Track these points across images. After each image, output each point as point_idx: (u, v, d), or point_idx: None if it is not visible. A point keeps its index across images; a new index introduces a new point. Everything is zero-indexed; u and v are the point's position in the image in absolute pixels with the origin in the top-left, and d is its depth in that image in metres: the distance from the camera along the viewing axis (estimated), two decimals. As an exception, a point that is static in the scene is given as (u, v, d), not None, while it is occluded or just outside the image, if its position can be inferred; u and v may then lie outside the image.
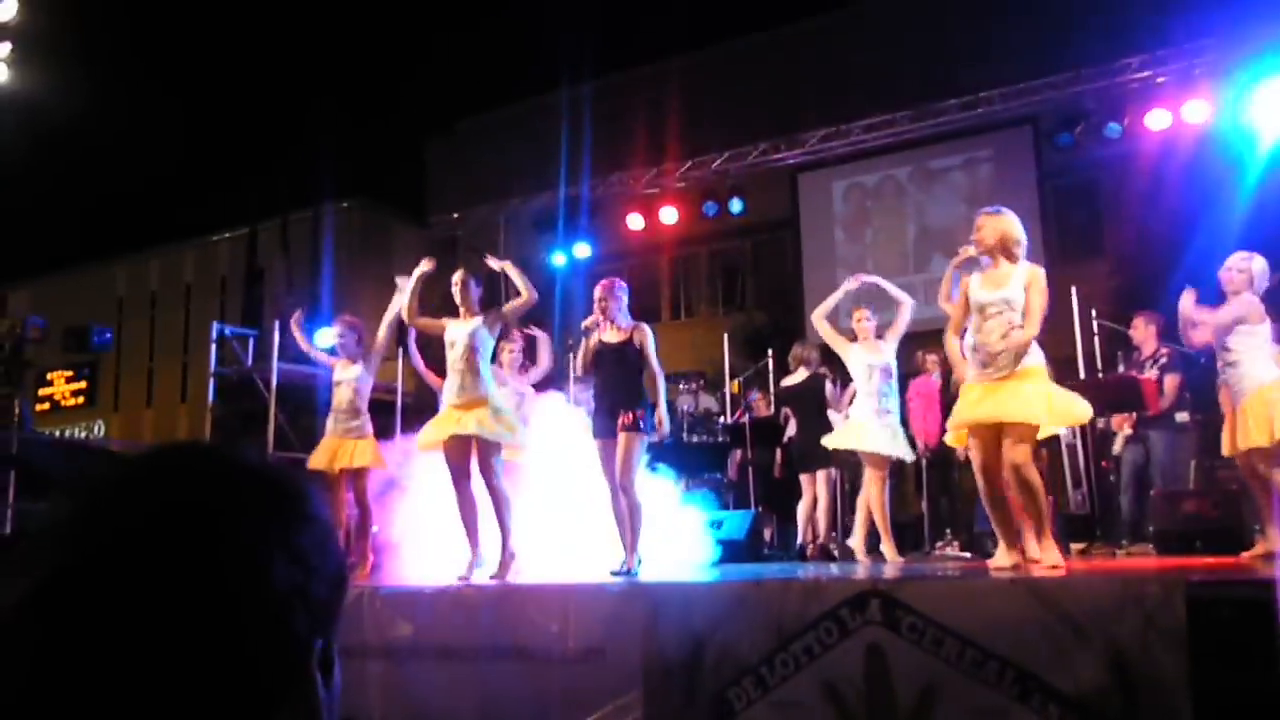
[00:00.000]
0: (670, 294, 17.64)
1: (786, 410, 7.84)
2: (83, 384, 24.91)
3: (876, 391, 6.49)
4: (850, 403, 6.99)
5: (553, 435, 6.36)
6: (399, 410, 10.08)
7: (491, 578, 5.06)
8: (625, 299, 5.42)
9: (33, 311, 14.23)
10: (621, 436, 5.15)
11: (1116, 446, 7.32)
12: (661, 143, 12.95)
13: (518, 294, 5.52)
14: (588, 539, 5.97)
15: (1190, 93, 9.69)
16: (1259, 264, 5.22)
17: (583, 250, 12.48)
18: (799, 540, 7.25)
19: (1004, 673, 3.10)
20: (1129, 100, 10.09)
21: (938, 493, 7.98)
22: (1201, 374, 6.41)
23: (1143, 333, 7.08)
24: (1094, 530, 7.44)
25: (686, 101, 13.25)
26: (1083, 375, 8.33)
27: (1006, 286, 4.48)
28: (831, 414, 7.47)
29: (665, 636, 3.69)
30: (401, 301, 5.84)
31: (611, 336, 5.32)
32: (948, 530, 7.83)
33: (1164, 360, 6.89)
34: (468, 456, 5.27)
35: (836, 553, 7.18)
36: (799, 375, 7.46)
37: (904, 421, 6.84)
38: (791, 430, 7.68)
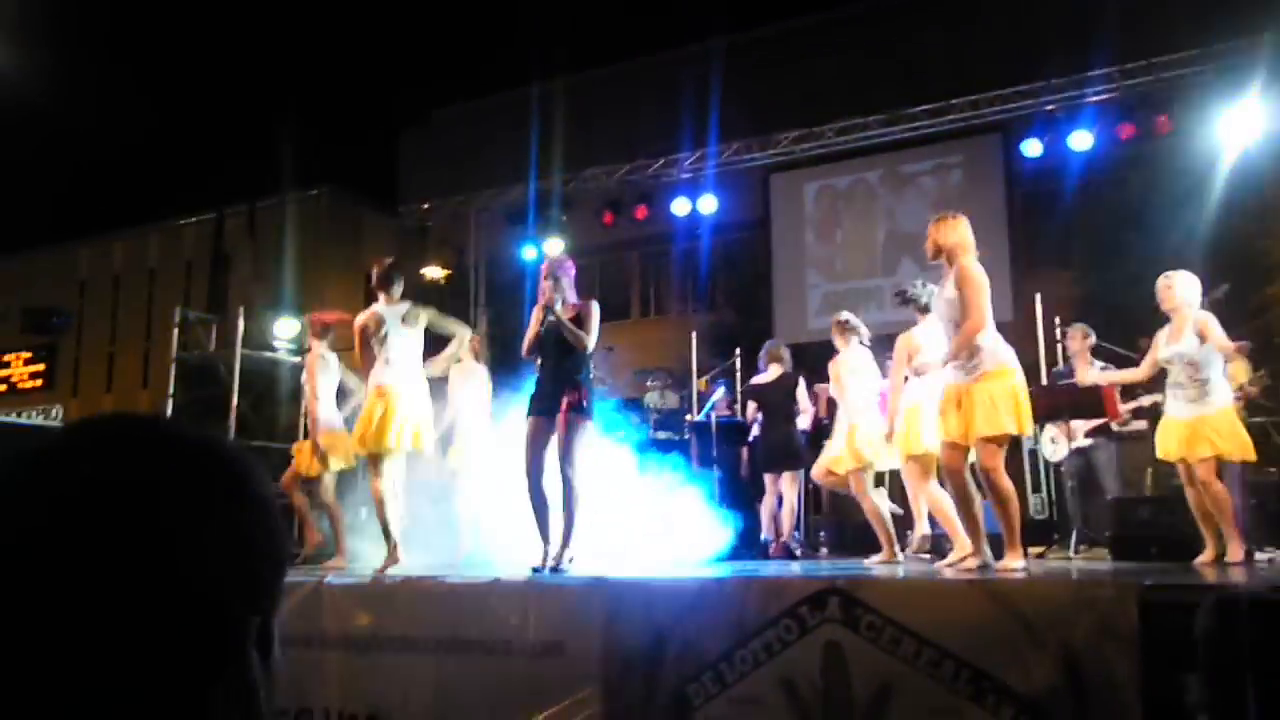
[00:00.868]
0: (640, 291, 17.65)
1: (753, 407, 7.86)
2: (41, 365, 24.49)
3: None
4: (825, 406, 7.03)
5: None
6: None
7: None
8: (573, 274, 5.28)
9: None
10: (564, 418, 4.99)
11: (1060, 454, 7.47)
12: (635, 140, 12.94)
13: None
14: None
15: (1154, 107, 9.87)
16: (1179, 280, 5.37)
17: (554, 245, 12.45)
18: (762, 538, 7.28)
19: (959, 672, 3.13)
20: (1096, 112, 10.25)
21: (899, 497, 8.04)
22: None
23: (1079, 344, 7.24)
24: (1052, 535, 7.54)
25: (660, 100, 13.25)
26: (1044, 382, 8.44)
27: (948, 288, 4.68)
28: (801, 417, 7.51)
29: (626, 632, 3.69)
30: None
31: (568, 322, 5.11)
32: (908, 533, 7.88)
33: (1100, 368, 7.07)
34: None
35: (799, 552, 7.23)
36: (771, 373, 7.47)
37: None
38: (757, 431, 7.71)
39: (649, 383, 9.85)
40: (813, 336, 11.70)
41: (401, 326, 5.56)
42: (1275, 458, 7.90)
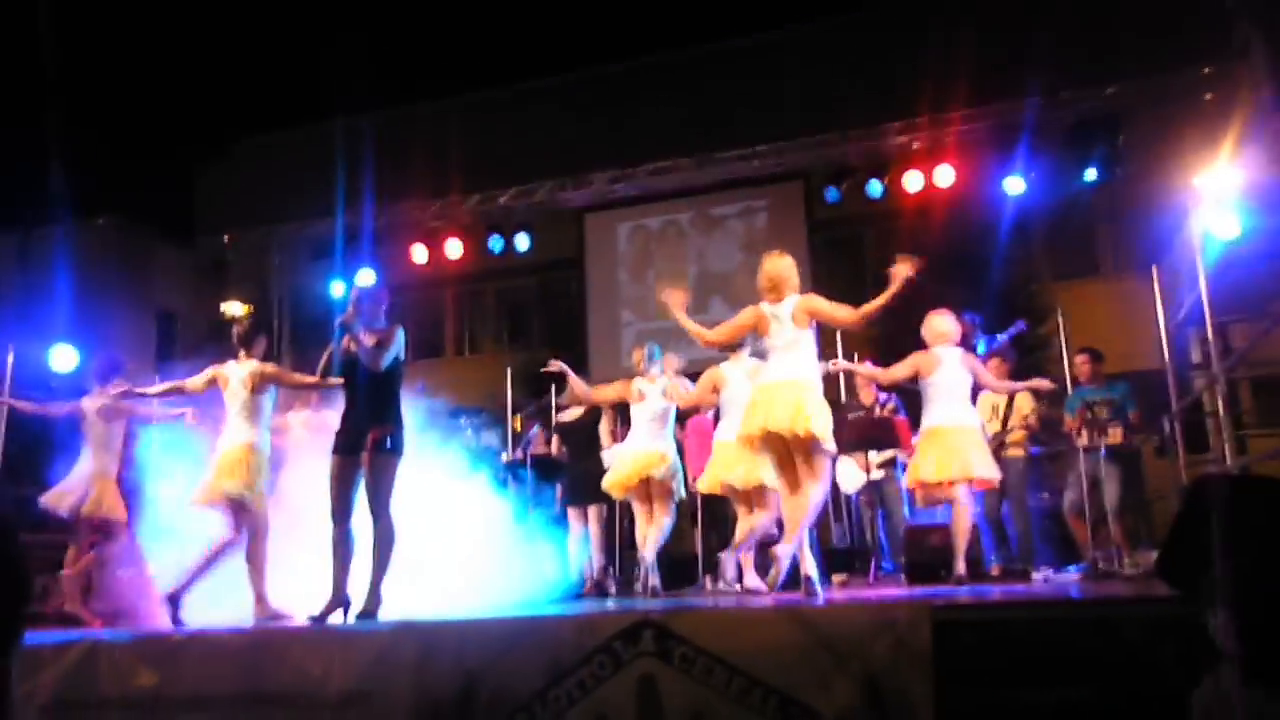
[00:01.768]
0: (455, 329, 17.38)
1: (556, 441, 7.89)
2: None
3: None
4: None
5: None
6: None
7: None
8: (385, 303, 5.12)
9: None
10: (371, 456, 4.79)
11: (856, 485, 7.91)
12: (448, 176, 12.79)
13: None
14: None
15: (942, 158, 10.63)
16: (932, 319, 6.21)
17: (366, 275, 12.05)
18: (575, 575, 7.26)
19: (768, 699, 3.20)
20: (890, 161, 10.94)
21: (709, 528, 8.22)
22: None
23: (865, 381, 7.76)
24: (853, 562, 7.88)
25: (475, 136, 13.16)
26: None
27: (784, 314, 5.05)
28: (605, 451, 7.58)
29: (436, 677, 3.57)
30: None
31: (367, 343, 4.92)
32: (719, 564, 8.05)
33: (890, 404, 7.71)
34: None
35: (612, 588, 7.24)
36: (577, 410, 7.54)
37: (681, 455, 7.01)
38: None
39: (463, 421, 9.70)
40: (627, 374, 11.81)
41: (245, 387, 5.51)
42: (1051, 484, 8.59)
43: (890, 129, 10.94)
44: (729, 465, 5.88)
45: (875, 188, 10.89)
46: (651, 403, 6.54)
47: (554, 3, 24.93)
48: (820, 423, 4.71)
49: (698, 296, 13.53)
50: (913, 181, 10.72)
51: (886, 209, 11.66)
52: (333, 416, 5.37)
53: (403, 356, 5.09)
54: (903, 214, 11.84)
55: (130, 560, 6.47)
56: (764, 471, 5.41)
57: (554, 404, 8.71)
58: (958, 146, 10.64)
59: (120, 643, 4.06)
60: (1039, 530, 7.76)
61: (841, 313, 4.99)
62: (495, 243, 12.37)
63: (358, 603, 4.78)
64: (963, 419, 6.01)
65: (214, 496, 5.39)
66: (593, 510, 7.17)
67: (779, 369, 4.94)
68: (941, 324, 6.20)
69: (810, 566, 4.64)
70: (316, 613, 4.73)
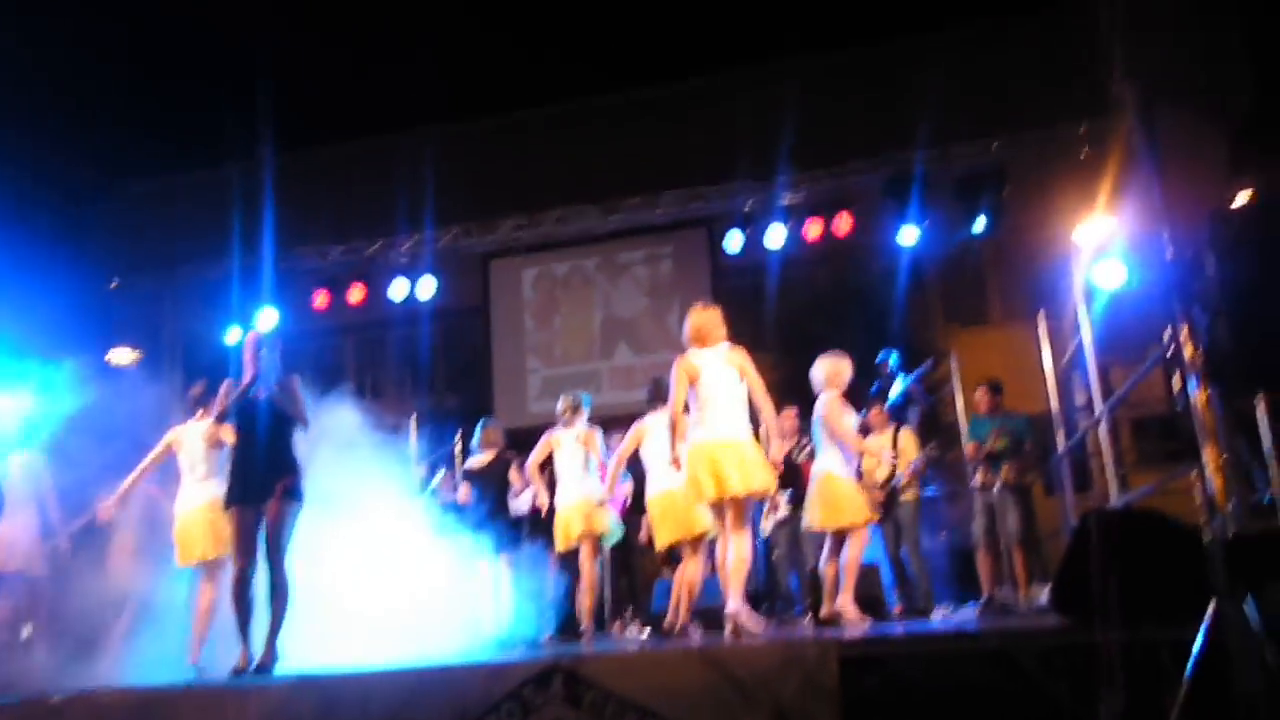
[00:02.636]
0: (356, 375, 17.04)
1: (465, 488, 7.81)
2: None
3: None
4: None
5: None
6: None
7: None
8: (278, 351, 5.07)
9: None
10: (276, 505, 4.73)
11: (769, 527, 8.02)
12: (350, 220, 12.62)
13: None
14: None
15: (836, 208, 10.93)
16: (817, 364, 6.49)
17: (265, 324, 11.73)
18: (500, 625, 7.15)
19: (680, 741, 3.19)
20: (787, 211, 11.21)
21: (619, 574, 8.18)
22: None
23: (790, 423, 7.94)
24: (764, 605, 7.93)
25: (378, 181, 13.03)
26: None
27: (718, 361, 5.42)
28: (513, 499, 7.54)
29: (338, 732, 3.45)
30: None
31: (263, 392, 4.88)
32: (629, 609, 8.01)
33: (809, 448, 7.65)
34: None
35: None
36: (486, 455, 7.51)
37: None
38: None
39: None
40: (533, 420, 11.78)
41: (206, 443, 5.60)
42: (948, 523, 8.83)
43: (788, 179, 11.23)
44: (680, 518, 5.95)
45: (777, 235, 11.13)
46: (568, 451, 6.79)
47: (458, 52, 25.01)
48: (767, 477, 5.02)
49: (604, 342, 13.59)
50: (812, 229, 10.99)
51: (788, 256, 11.92)
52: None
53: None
54: (804, 261, 12.12)
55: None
56: (704, 518, 5.70)
57: (456, 450, 8.61)
58: (854, 196, 10.97)
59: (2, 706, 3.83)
60: (938, 569, 7.95)
61: (761, 394, 5.32)
62: (398, 288, 12.22)
63: (256, 656, 4.63)
64: (826, 464, 6.27)
65: (196, 560, 5.53)
66: (504, 558, 7.12)
67: (718, 426, 5.04)
68: (815, 369, 6.48)
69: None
70: (236, 667, 4.65)
